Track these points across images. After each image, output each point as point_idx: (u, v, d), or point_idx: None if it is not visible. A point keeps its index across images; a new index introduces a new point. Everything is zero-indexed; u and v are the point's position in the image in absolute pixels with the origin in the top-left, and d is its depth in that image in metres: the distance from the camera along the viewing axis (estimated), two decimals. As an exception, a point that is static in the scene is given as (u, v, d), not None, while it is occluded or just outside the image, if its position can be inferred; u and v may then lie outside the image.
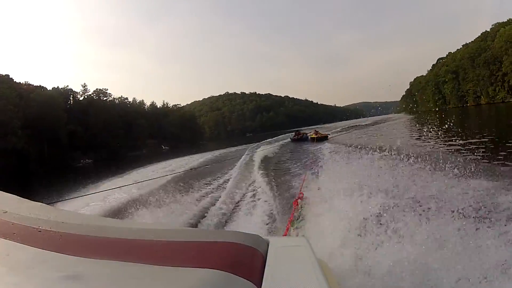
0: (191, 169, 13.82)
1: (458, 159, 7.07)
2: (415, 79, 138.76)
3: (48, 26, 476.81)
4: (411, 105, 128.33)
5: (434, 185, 4.62)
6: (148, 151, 76.89)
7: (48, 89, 71.54)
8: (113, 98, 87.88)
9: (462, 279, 2.53)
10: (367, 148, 9.31)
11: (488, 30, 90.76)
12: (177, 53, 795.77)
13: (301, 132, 27.57)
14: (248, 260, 0.94)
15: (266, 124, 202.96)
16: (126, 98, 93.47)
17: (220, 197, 8.38)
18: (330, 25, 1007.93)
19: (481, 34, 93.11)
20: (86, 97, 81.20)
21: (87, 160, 61.60)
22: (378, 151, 7.84)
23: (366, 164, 6.95)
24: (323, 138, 23.68)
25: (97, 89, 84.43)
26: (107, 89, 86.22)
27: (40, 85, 70.15)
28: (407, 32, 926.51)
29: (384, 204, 4.19)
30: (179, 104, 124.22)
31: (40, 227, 1.17)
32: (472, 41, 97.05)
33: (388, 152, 7.10)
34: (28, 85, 67.03)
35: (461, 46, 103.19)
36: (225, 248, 0.99)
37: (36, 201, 1.70)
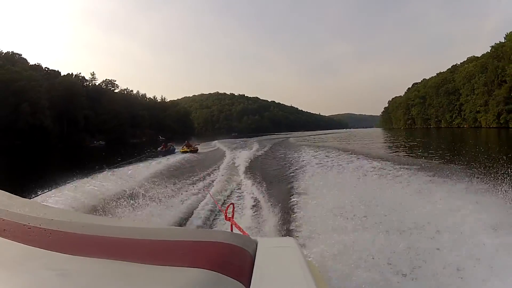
0: (177, 167, 13.97)
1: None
2: (393, 98, 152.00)
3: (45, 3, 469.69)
4: (387, 122, 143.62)
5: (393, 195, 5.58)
6: (147, 139, 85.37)
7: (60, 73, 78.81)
8: (120, 89, 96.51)
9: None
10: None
11: (459, 63, 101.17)
12: (170, 46, 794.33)
13: (168, 144, 27.02)
14: (237, 260, 0.94)
15: (251, 126, 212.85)
16: (131, 91, 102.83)
17: (208, 196, 8.28)
18: (325, 34, 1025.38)
19: (451, 66, 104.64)
20: (95, 85, 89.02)
21: (100, 142, 69.52)
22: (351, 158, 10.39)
23: (352, 171, 7.93)
24: (194, 151, 25.12)
25: (106, 79, 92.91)
26: (115, 80, 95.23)
27: (57, 70, 77.88)
28: (398, 50, 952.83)
29: (369, 207, 4.62)
30: (174, 99, 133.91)
31: (29, 224, 1.16)
32: (443, 72, 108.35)
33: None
34: (47, 69, 74.41)
35: (435, 74, 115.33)
36: (214, 248, 0.99)
37: (25, 197, 1.79)
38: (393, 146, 27.34)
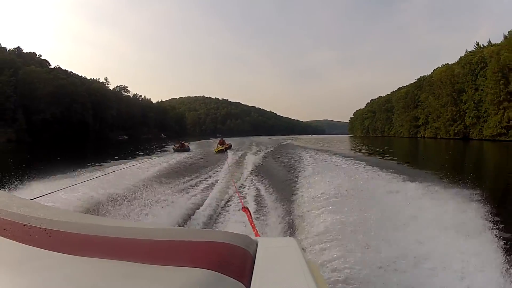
0: (178, 167, 13.92)
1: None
2: (357, 110, 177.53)
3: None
4: (351, 130, 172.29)
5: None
6: (152, 136, 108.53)
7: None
8: (133, 94, 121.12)
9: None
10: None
11: (404, 85, 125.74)
12: (157, 43, 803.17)
13: (185, 143, 27.18)
14: (237, 260, 0.94)
15: (234, 129, 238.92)
16: (141, 95, 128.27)
17: (208, 196, 8.29)
18: (310, 40, 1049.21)
19: (397, 88, 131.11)
20: (109, 89, 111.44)
21: (125, 136, 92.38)
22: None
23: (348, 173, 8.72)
24: (228, 148, 25.02)
25: (120, 85, 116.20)
26: (127, 86, 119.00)
27: (85, 76, 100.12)
28: (382, 59, 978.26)
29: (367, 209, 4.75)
30: (163, 100, 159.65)
31: (30, 224, 1.17)
32: (393, 91, 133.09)
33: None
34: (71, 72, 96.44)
35: (390, 92, 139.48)
36: (214, 248, 0.99)
37: (25, 197, 1.81)
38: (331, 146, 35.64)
